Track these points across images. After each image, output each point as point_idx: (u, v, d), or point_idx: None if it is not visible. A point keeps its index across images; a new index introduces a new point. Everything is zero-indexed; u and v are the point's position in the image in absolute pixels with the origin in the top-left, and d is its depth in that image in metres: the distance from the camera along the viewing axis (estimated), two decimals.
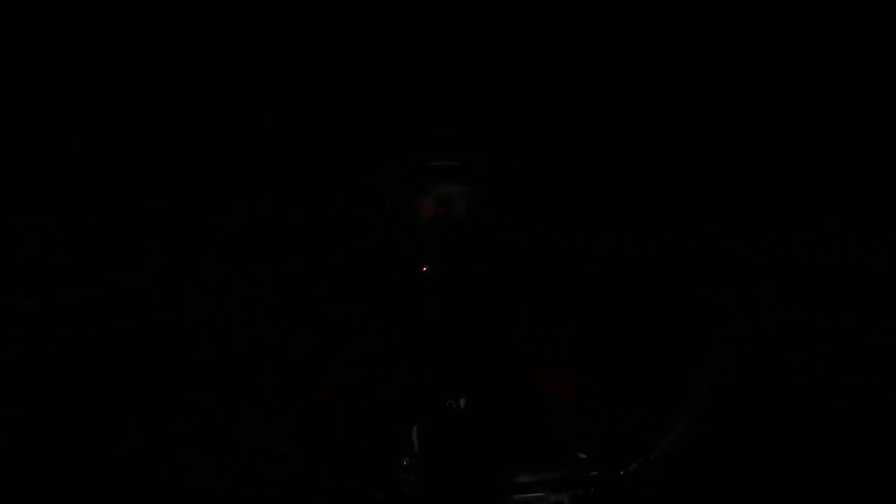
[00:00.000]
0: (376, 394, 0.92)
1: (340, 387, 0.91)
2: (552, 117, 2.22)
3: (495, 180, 0.98)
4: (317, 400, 0.89)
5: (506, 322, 0.93)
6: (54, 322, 1.87)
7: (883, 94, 2.11)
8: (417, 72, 2.17)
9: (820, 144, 2.27)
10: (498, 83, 2.19)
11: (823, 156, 2.23)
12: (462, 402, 0.89)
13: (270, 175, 2.24)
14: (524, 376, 0.99)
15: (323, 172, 2.12)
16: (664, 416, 0.62)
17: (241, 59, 2.19)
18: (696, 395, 0.54)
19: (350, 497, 0.62)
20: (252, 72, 2.24)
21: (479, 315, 0.92)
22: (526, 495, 0.60)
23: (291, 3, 2.01)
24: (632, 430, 0.64)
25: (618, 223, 2.14)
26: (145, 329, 1.79)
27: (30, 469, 1.50)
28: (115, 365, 1.80)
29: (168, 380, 1.55)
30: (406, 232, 0.95)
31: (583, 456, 0.64)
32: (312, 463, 0.60)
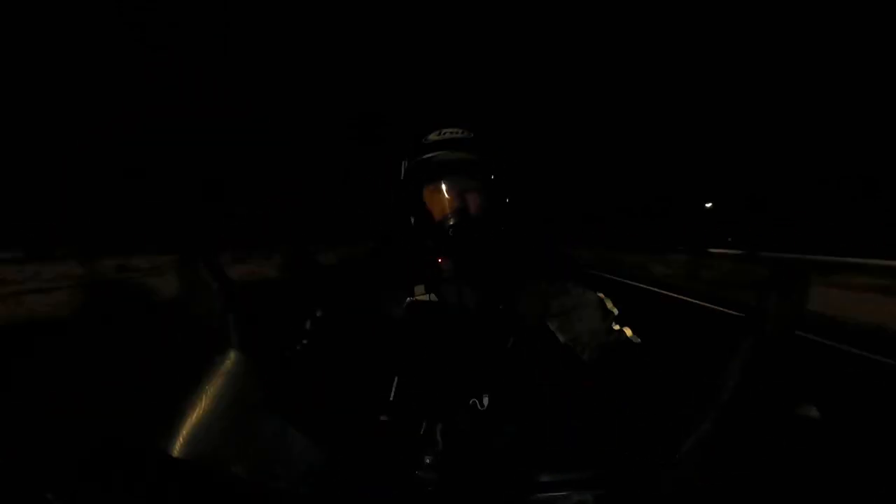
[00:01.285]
0: (399, 392, 0.91)
1: (360, 386, 0.90)
2: (553, 118, 2.23)
3: (506, 173, 0.96)
4: (337, 399, 0.89)
5: (528, 318, 0.92)
6: (54, 322, 1.87)
7: (882, 94, 2.13)
8: (417, 72, 2.20)
9: (820, 144, 2.29)
10: (498, 84, 2.20)
11: (823, 156, 2.24)
12: (485, 400, 0.88)
13: (270, 175, 2.24)
14: (546, 375, 0.98)
15: (323, 172, 2.12)
16: (688, 416, 0.61)
17: (241, 58, 2.20)
18: (720, 396, 0.54)
19: (370, 496, 0.62)
20: (252, 71, 2.25)
21: (501, 311, 0.91)
22: (549, 494, 0.58)
23: (292, 4, 2.03)
24: (656, 430, 0.63)
25: (618, 223, 2.14)
26: (145, 330, 1.79)
27: (30, 468, 1.50)
28: (114, 366, 1.80)
29: (168, 380, 1.55)
30: (424, 227, 0.93)
31: (607, 455, 0.63)
32: (333, 463, 0.60)
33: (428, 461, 0.83)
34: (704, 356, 1.23)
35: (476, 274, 0.97)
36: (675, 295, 9.90)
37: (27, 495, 0.50)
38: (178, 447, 0.54)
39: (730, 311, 7.23)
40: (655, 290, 11.46)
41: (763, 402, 0.59)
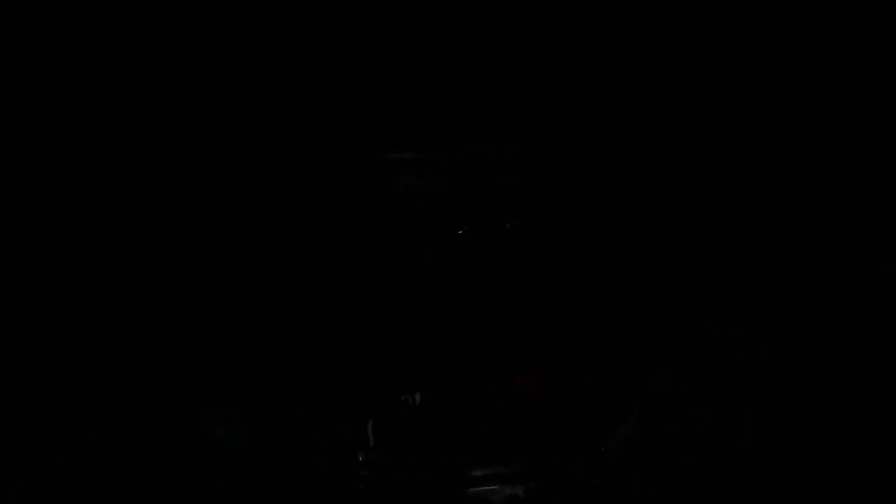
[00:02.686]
0: (332, 390, 0.92)
1: (298, 384, 0.91)
2: (549, 114, 2.22)
3: (492, 174, 0.99)
4: (275, 396, 0.90)
5: (473, 317, 0.95)
6: (54, 321, 1.87)
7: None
8: (413, 69, 2.17)
9: (812, 136, 2.29)
10: (498, 81, 2.20)
11: (814, 145, 2.26)
12: (418, 396, 0.90)
13: (269, 175, 2.24)
14: (481, 373, 1.00)
15: (323, 170, 2.12)
16: (614, 413, 0.64)
17: (240, 58, 2.19)
18: (643, 399, 0.57)
19: (307, 494, 0.63)
20: (252, 71, 2.24)
21: (458, 310, 0.93)
22: (481, 488, 0.61)
23: (292, 3, 2.01)
24: (583, 427, 0.66)
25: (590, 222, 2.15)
26: (144, 330, 1.79)
27: (30, 468, 1.50)
28: (111, 368, 1.80)
29: (155, 381, 1.55)
30: (404, 227, 0.96)
31: (537, 450, 0.66)
32: (267, 459, 0.61)
33: (360, 458, 0.85)
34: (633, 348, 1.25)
35: (450, 271, 1.00)
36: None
37: None
38: None
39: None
40: None
41: (686, 397, 0.61)
